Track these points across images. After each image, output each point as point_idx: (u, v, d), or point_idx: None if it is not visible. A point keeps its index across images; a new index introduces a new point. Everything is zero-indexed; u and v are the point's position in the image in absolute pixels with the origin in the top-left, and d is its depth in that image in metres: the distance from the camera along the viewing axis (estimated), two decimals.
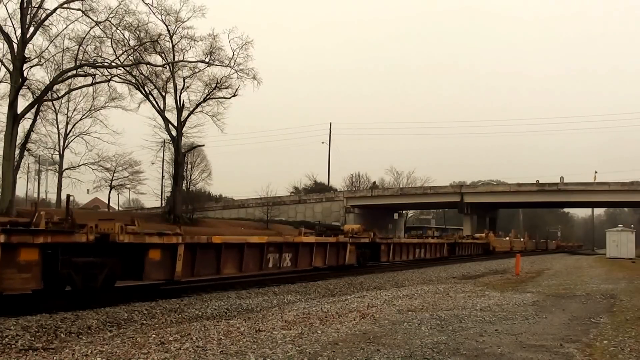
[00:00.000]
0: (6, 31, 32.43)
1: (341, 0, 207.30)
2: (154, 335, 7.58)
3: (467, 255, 43.33)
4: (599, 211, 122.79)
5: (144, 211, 63.69)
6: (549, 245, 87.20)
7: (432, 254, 34.01)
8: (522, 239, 70.39)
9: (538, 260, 39.32)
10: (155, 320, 9.79)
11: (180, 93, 42.90)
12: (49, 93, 36.31)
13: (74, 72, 35.87)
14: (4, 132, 33.94)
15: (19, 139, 34.42)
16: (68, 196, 12.41)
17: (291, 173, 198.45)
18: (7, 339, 7.59)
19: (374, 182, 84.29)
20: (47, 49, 35.75)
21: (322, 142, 79.79)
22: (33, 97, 35.57)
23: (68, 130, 51.88)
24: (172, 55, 40.90)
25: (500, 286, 16.38)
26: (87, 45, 35.66)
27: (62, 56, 37.13)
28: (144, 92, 40.98)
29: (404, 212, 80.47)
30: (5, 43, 32.88)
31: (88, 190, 59.81)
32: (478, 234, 54.93)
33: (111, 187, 56.81)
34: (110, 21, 34.77)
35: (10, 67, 33.10)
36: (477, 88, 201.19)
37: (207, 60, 41.13)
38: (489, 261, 36.53)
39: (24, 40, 32.43)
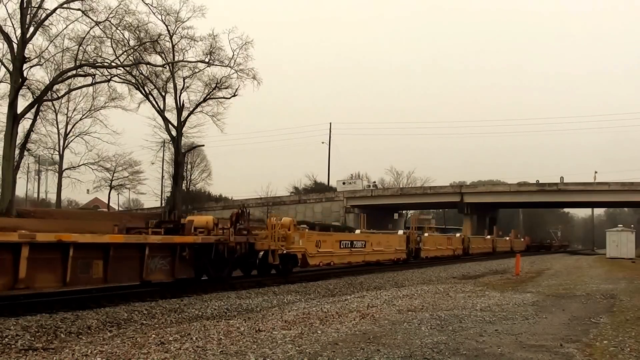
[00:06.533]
0: (6, 31, 32.51)
1: (342, 0, 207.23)
2: (154, 335, 7.57)
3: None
4: (599, 211, 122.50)
5: (144, 211, 63.69)
6: (551, 245, 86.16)
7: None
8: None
9: (538, 260, 39.29)
10: (155, 320, 9.79)
11: (180, 93, 42.97)
12: (49, 93, 36.34)
13: (74, 72, 35.89)
14: (4, 132, 33.96)
15: (19, 139, 34.50)
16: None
17: (291, 173, 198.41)
18: (7, 339, 7.59)
19: (374, 182, 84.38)
20: (47, 49, 35.91)
21: (322, 142, 79.89)
22: (33, 97, 35.62)
23: (68, 130, 52.03)
24: (172, 55, 40.91)
25: (500, 286, 16.39)
26: (87, 45, 35.77)
27: (62, 56, 37.27)
28: (144, 92, 41.02)
29: (404, 212, 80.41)
30: (5, 43, 32.96)
31: (88, 190, 60.11)
32: (205, 217, 17.61)
33: (111, 187, 57.01)
34: (110, 21, 34.85)
35: (10, 67, 33.14)
36: (477, 88, 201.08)
37: (207, 60, 41.16)
38: (489, 261, 36.53)
39: (24, 40, 32.45)
